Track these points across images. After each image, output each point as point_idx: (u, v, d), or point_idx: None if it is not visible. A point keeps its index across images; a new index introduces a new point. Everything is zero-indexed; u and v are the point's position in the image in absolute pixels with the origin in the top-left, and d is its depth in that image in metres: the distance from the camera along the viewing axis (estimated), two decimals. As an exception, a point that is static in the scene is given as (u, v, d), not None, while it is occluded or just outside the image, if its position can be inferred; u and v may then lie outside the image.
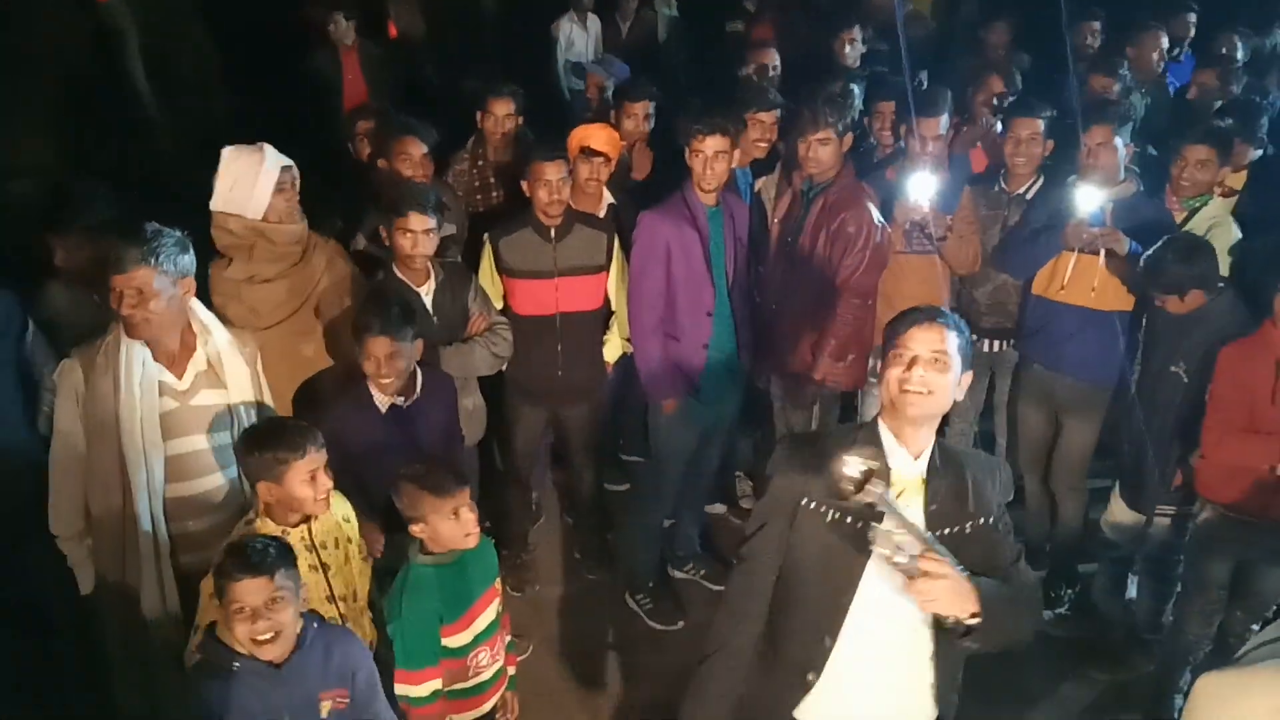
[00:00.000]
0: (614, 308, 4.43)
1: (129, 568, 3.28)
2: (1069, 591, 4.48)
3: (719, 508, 5.17)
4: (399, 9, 8.15)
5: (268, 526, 2.95)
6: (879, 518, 2.31)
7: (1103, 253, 4.00)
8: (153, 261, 3.09)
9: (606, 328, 4.48)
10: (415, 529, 2.97)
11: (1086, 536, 4.41)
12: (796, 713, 2.58)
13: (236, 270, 3.79)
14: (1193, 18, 6.74)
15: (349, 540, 3.14)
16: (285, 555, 2.62)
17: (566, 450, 4.80)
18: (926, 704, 2.53)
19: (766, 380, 4.56)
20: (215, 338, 3.33)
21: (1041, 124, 4.32)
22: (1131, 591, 4.31)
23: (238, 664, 2.56)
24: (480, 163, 5.01)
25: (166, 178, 6.35)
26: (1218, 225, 4.09)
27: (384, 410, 3.55)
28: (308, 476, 2.93)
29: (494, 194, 4.98)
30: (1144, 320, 4.00)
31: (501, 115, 4.96)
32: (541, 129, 5.15)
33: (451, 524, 2.97)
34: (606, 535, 4.99)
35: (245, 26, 7.17)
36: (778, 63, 5.89)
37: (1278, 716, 1.95)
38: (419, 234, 3.84)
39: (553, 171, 4.12)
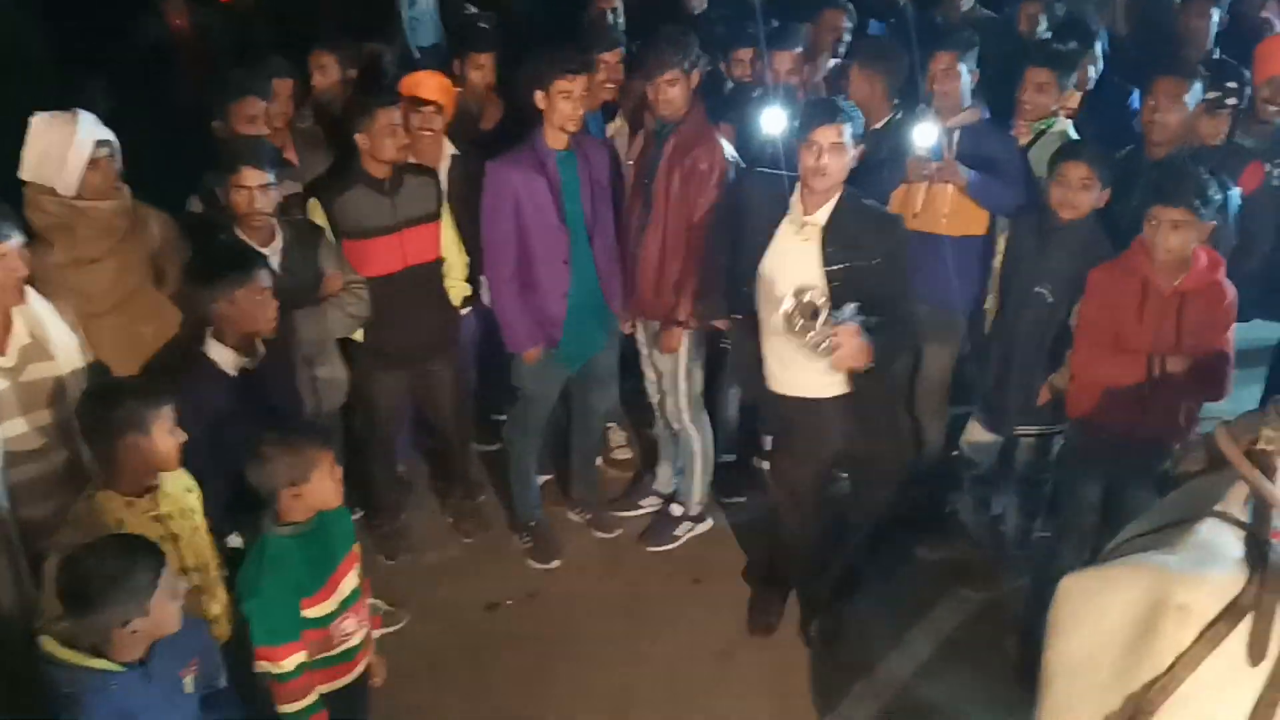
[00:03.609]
0: (443, 254, 4.31)
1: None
2: (937, 514, 4.54)
3: (592, 459, 5.11)
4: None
5: (112, 499, 2.80)
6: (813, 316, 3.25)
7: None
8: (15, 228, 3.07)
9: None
10: (292, 493, 2.83)
11: (949, 459, 4.49)
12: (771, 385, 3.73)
13: (59, 254, 3.51)
14: None
15: (193, 510, 2.99)
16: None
17: (433, 414, 4.68)
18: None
19: (631, 326, 4.50)
20: (33, 307, 3.14)
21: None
22: (995, 509, 4.41)
23: (115, 684, 2.39)
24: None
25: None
26: (1067, 144, 4.16)
27: (233, 374, 3.36)
28: (171, 426, 2.82)
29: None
30: (998, 245, 4.07)
31: (316, 68, 4.84)
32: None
33: (331, 481, 2.89)
34: (480, 497, 4.90)
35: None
36: (618, 4, 5.82)
37: (1131, 609, 2.01)
38: (254, 190, 3.66)
39: (398, 115, 4.03)
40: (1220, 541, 2.08)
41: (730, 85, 5.01)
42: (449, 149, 4.46)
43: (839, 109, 3.47)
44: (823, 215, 3.50)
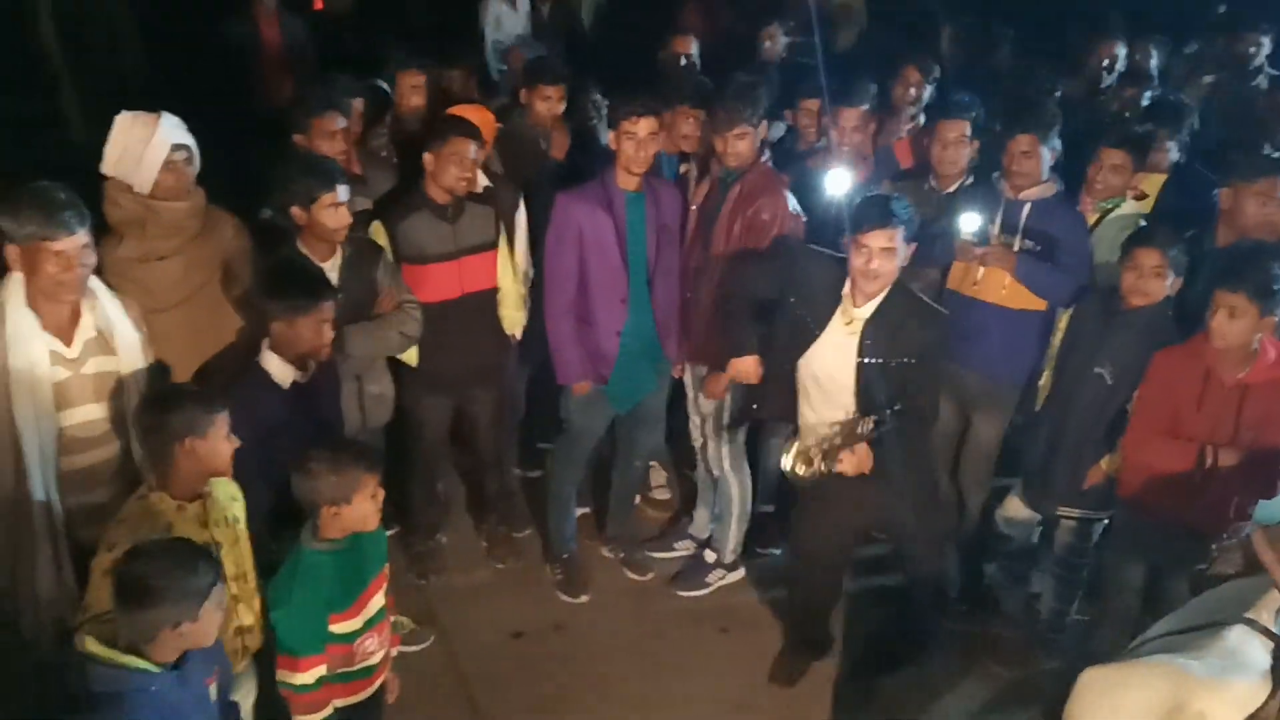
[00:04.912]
0: (499, 283, 4.35)
1: (21, 545, 3.15)
2: (972, 586, 4.48)
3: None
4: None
5: (165, 502, 2.85)
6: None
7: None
8: (85, 223, 3.08)
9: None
10: (331, 511, 2.88)
11: (987, 533, 4.42)
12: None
13: (130, 248, 3.62)
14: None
15: (237, 520, 3.04)
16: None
17: (474, 440, 4.72)
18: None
19: (681, 369, 4.51)
20: (102, 304, 3.23)
21: (968, 125, 4.31)
22: (1033, 586, 4.35)
23: (155, 685, 2.39)
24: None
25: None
26: (1130, 228, 4.10)
27: (287, 387, 3.41)
28: (227, 433, 2.87)
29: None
30: (1060, 321, 4.02)
31: (408, 88, 4.91)
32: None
33: (371, 504, 2.93)
34: (517, 526, 4.93)
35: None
36: (694, 51, 5.86)
37: (1150, 709, 1.97)
38: (343, 207, 3.75)
39: (473, 149, 4.07)
40: (1247, 650, 2.05)
41: (787, 132, 5.03)
42: (482, 180, 4.48)
43: (891, 213, 3.41)
44: (869, 309, 3.54)
